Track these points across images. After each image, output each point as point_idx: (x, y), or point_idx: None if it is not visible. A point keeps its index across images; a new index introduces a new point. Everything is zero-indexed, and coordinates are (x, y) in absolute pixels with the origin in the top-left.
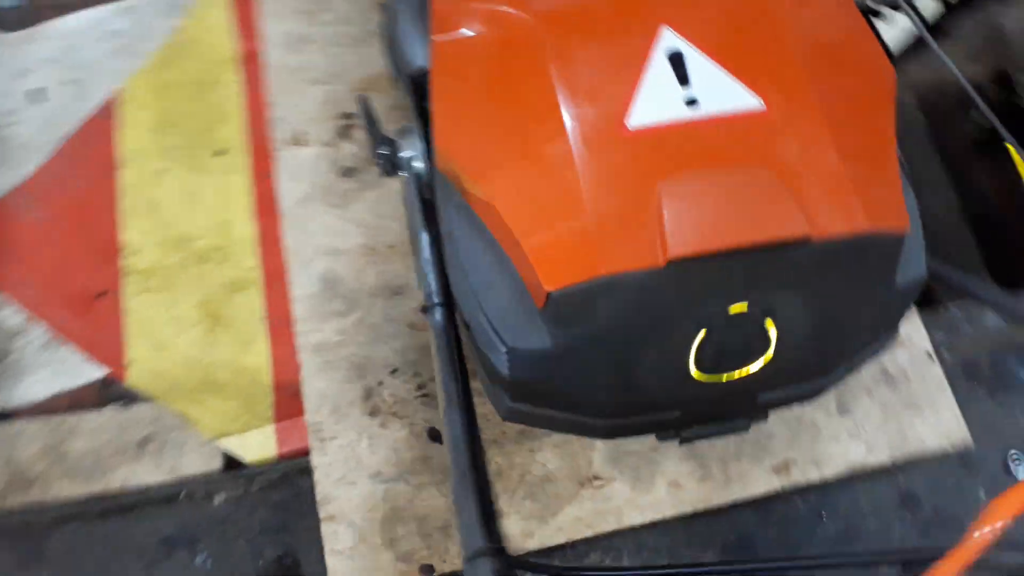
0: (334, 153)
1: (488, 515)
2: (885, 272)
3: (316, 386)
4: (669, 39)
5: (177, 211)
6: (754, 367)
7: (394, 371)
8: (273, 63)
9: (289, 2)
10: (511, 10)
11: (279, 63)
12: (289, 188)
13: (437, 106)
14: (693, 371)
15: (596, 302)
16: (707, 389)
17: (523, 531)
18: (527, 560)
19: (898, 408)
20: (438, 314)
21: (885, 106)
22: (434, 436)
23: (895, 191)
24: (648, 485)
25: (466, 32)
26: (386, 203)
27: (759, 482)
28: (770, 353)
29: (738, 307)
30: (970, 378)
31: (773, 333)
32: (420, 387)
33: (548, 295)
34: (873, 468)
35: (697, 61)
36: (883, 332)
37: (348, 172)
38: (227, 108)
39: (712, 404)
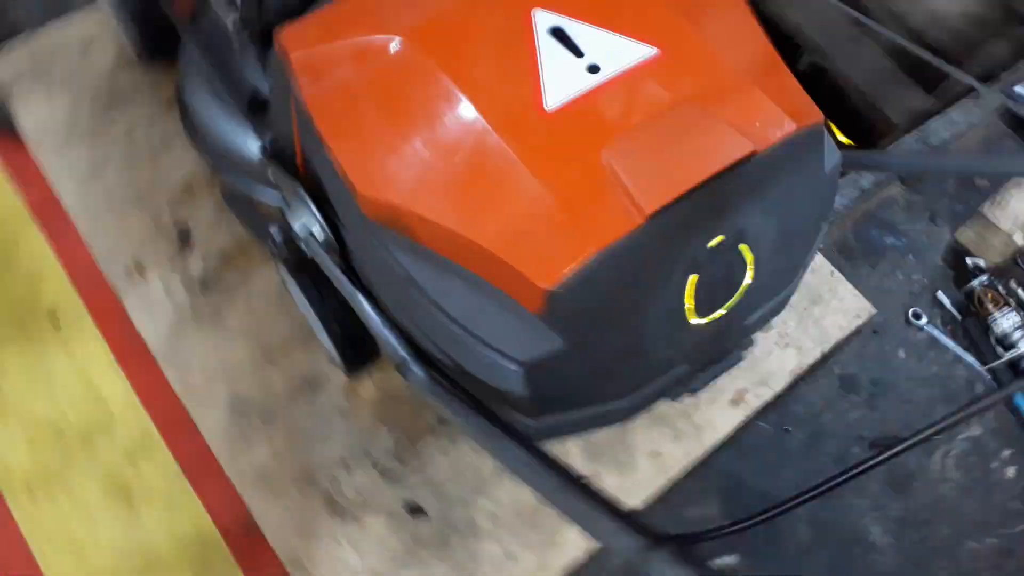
0: (182, 270)
1: (618, 511)
2: (816, 163)
3: (272, 518)
4: (545, 19)
5: (30, 397)
6: (740, 293)
7: (345, 465)
8: (71, 201)
9: (62, 132)
10: (378, 37)
11: (79, 198)
12: (149, 326)
13: (346, 160)
14: (692, 318)
15: (594, 282)
16: (706, 331)
17: (537, 563)
18: (700, 533)
19: (806, 306)
20: (416, 367)
21: (749, 19)
22: (414, 510)
23: (798, 89)
24: (631, 466)
25: (340, 75)
26: (260, 298)
27: (725, 420)
28: (750, 274)
29: (716, 240)
30: (846, 256)
31: (749, 255)
32: (376, 465)
33: (547, 294)
34: (810, 367)
35: (579, 30)
36: (823, 222)
37: (205, 284)
38: (40, 266)
39: (712, 344)
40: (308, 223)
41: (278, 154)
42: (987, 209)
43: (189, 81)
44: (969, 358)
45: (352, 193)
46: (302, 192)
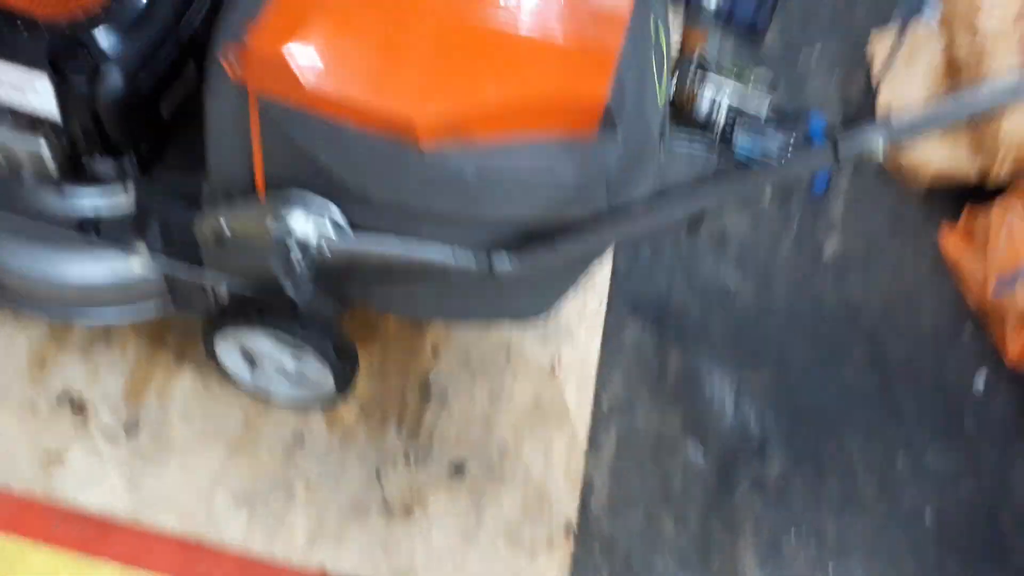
0: (97, 432)
1: None
2: None
3: (351, 557)
4: None
5: None
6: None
7: (376, 477)
8: None
9: None
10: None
11: None
12: (98, 498)
13: (394, 106)
14: (660, 99)
15: (620, 84)
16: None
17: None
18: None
19: None
20: (502, 257)
21: None
22: (457, 470)
23: None
24: None
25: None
26: (190, 403)
27: None
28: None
29: (652, 24)
30: None
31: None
32: (403, 459)
33: (606, 106)
34: None
35: None
36: None
37: (129, 428)
38: None
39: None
40: (319, 223)
41: (216, 198)
42: None
43: None
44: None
45: (409, 132)
46: (304, 192)
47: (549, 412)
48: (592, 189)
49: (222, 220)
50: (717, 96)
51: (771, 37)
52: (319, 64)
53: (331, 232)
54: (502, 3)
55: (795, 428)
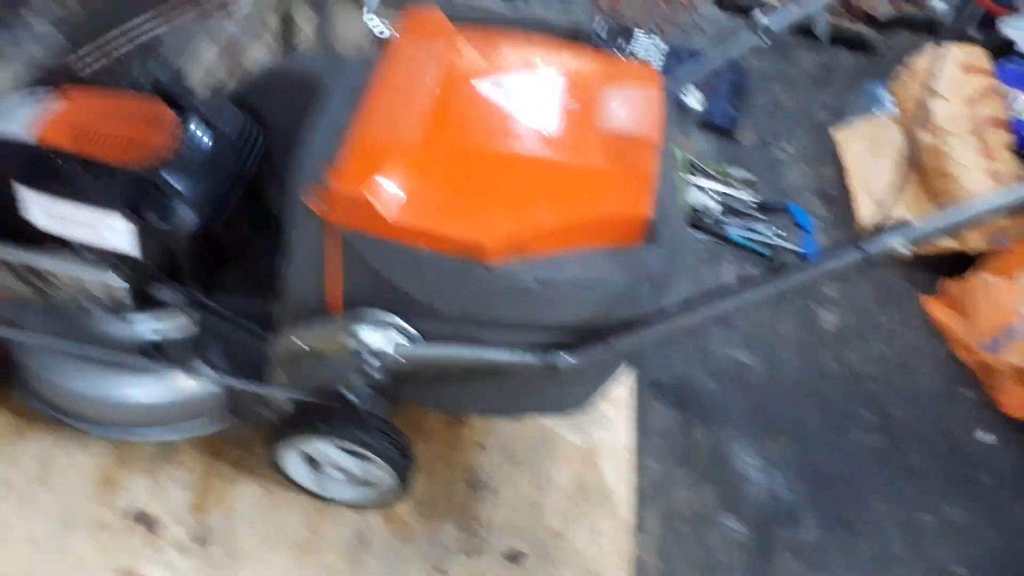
0: (170, 546)
1: None
2: None
3: None
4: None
5: None
6: None
7: (441, 571)
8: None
9: None
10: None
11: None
12: None
13: (464, 234)
14: None
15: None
16: None
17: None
18: None
19: None
20: (564, 355)
21: None
22: (513, 558)
23: None
24: None
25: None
26: (255, 511)
27: None
28: None
29: None
30: None
31: None
32: (461, 552)
33: (648, 219)
34: None
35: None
36: None
37: (200, 539)
38: None
39: None
40: (389, 336)
41: (291, 319)
42: None
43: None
44: None
45: (478, 252)
46: (379, 312)
47: (592, 495)
48: (640, 289)
49: (298, 339)
50: (705, 193)
51: (746, 137)
52: (397, 199)
53: (404, 342)
54: (554, 137)
55: (820, 492)
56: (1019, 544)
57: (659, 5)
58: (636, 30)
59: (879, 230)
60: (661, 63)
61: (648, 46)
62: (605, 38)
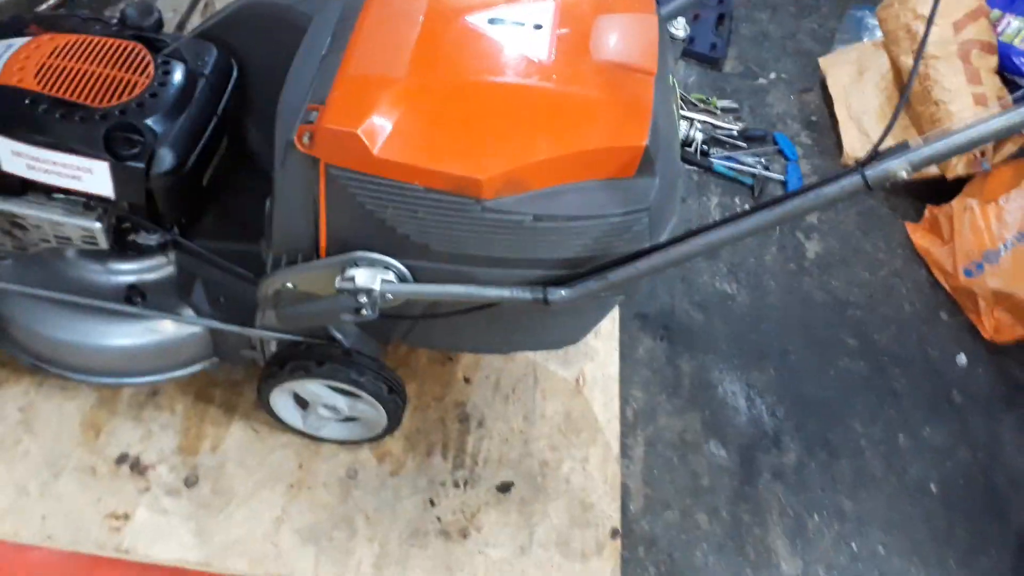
0: (157, 488)
1: None
2: None
3: None
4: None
5: None
6: None
7: (429, 504)
8: None
9: None
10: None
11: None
12: (168, 551)
13: (456, 167)
14: None
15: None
16: None
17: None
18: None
19: None
20: (556, 289)
21: None
22: (504, 488)
23: None
24: None
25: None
26: (245, 452)
27: None
28: None
29: None
30: None
31: None
32: (454, 485)
33: (644, 148)
34: None
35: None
36: None
37: (189, 481)
38: None
39: None
40: (379, 275)
41: (280, 260)
42: None
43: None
44: None
45: (473, 189)
46: (370, 252)
47: (581, 426)
48: (636, 221)
49: (288, 280)
50: (691, 125)
51: (730, 66)
52: (389, 136)
53: (395, 281)
54: (547, 67)
55: (804, 418)
56: (989, 461)
57: None
58: None
59: (878, 154)
60: None
61: None
62: None
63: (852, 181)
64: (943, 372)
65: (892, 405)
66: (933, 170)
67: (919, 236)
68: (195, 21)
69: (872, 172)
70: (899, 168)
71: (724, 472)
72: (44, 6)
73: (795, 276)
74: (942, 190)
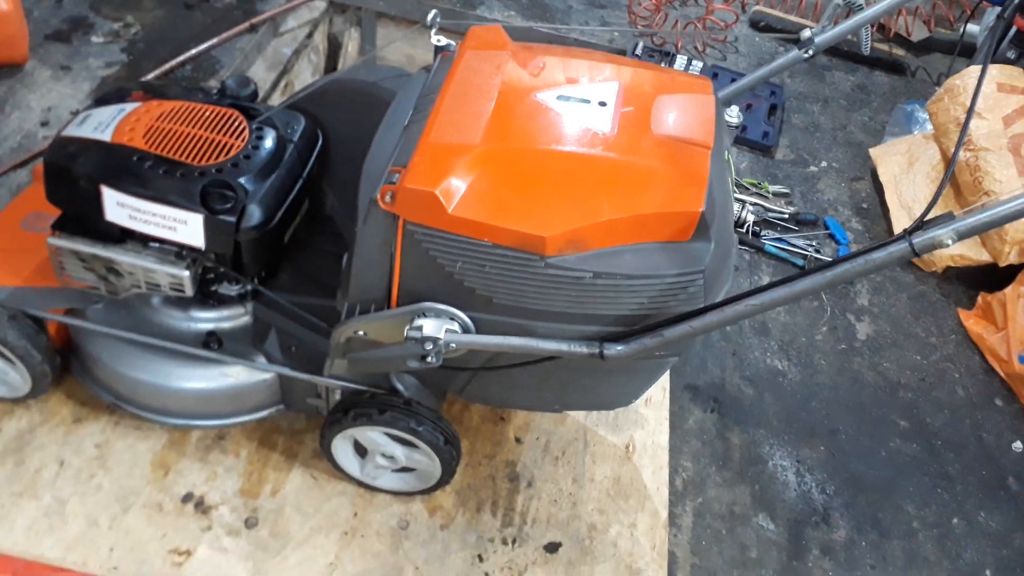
0: (219, 528)
1: None
2: None
3: None
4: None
5: None
6: None
7: (477, 560)
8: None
9: None
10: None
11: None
12: None
13: (523, 226)
14: None
15: (710, 195)
16: None
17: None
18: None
19: None
20: (612, 345)
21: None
22: (552, 548)
23: None
24: None
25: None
26: (303, 497)
27: None
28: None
29: None
30: None
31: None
32: (500, 542)
33: (700, 214)
34: None
35: (570, 90)
36: None
37: (249, 522)
38: None
39: None
40: (446, 324)
41: (354, 310)
42: None
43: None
44: None
45: (537, 246)
46: (437, 304)
47: (629, 492)
48: (691, 282)
49: (360, 329)
50: (743, 207)
51: (782, 154)
52: (463, 197)
53: (459, 332)
54: (611, 139)
55: (854, 496)
56: None
57: (697, 28)
58: (675, 53)
59: (924, 223)
60: None
61: (687, 68)
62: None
63: (899, 248)
64: (998, 458)
65: (946, 489)
66: (986, 257)
67: (972, 322)
68: (276, 99)
69: (919, 240)
70: (945, 236)
71: (772, 545)
72: (151, 75)
73: (846, 356)
74: (994, 277)
